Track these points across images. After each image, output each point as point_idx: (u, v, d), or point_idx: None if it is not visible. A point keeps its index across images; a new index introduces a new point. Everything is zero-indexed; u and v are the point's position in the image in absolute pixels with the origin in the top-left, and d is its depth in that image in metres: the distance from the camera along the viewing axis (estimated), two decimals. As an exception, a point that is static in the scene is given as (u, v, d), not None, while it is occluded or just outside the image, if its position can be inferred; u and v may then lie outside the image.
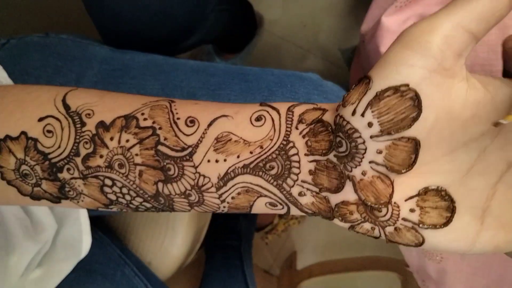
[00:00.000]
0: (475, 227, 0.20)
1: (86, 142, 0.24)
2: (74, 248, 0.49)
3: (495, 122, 0.19)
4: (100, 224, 0.56)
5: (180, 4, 0.43)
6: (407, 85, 0.18)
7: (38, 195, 0.25)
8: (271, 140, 0.22)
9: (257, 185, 0.22)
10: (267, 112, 0.22)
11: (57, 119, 0.24)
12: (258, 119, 0.22)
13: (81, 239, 0.48)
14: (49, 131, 0.24)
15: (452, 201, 0.20)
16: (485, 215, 0.20)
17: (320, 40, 0.95)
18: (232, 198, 0.23)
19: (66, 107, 0.25)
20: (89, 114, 0.24)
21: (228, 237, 0.79)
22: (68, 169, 0.24)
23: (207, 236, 0.68)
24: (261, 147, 0.22)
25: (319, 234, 1.05)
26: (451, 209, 0.20)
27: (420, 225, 0.20)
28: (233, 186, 0.22)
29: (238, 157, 0.22)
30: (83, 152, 0.24)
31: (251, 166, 0.22)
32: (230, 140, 0.22)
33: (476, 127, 0.19)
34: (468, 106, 0.19)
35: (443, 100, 0.18)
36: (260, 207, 0.23)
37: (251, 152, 0.22)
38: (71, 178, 0.24)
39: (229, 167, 0.22)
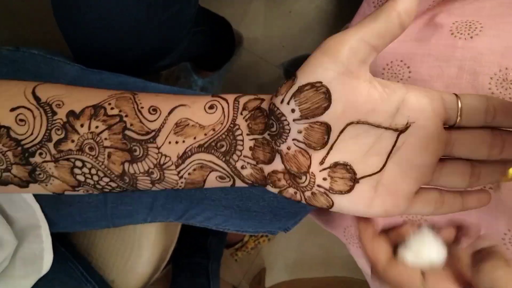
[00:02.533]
0: (370, 194, 0.26)
1: (58, 129, 0.26)
2: (35, 265, 0.47)
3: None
4: (64, 241, 0.55)
5: (153, 27, 0.43)
6: (321, 82, 0.23)
7: (6, 180, 0.27)
8: (222, 124, 0.26)
9: (209, 161, 0.26)
10: (218, 102, 0.27)
11: (29, 109, 0.26)
12: (211, 107, 0.26)
13: (42, 256, 0.47)
14: (21, 120, 0.26)
15: (354, 173, 0.26)
16: (378, 185, 0.26)
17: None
18: (189, 174, 0.27)
19: (37, 98, 0.27)
20: (59, 105, 0.27)
21: (196, 255, 0.79)
22: (40, 154, 0.26)
23: (175, 253, 0.67)
24: (214, 129, 0.26)
25: (289, 252, 1.05)
26: (353, 180, 0.26)
27: (330, 191, 0.26)
28: (190, 163, 0.26)
29: (194, 138, 0.26)
30: (55, 138, 0.26)
31: (205, 145, 0.26)
32: (187, 125, 0.26)
33: (375, 117, 0.24)
34: (369, 101, 0.24)
35: (348, 96, 0.23)
36: (212, 181, 0.27)
37: (205, 134, 0.26)
38: (43, 162, 0.26)
39: (187, 147, 0.26)
